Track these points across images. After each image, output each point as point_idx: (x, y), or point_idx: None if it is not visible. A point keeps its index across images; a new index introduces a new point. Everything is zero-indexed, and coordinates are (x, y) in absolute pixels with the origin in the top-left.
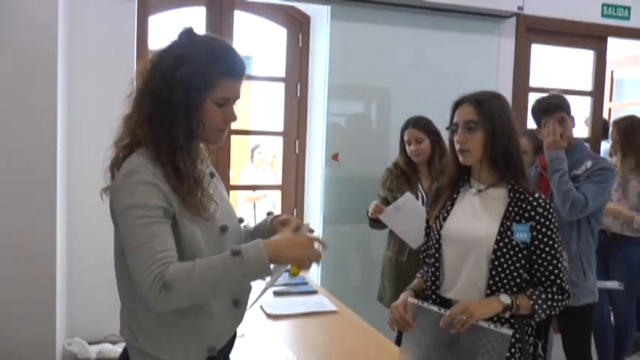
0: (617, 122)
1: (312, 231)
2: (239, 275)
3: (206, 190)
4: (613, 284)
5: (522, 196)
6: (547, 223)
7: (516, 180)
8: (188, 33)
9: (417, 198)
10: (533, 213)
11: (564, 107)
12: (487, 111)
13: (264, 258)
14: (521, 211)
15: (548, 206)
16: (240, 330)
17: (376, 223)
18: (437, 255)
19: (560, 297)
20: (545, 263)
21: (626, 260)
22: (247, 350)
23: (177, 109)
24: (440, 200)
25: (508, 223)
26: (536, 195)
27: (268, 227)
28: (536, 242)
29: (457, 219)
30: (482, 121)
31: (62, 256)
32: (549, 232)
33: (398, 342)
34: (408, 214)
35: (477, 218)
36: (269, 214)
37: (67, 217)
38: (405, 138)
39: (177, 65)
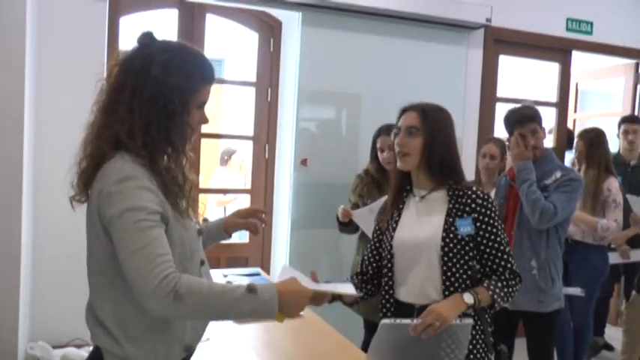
0: (582, 134)
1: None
2: (246, 311)
3: (193, 194)
4: (575, 291)
5: (461, 192)
6: (488, 212)
7: (455, 181)
8: (151, 37)
9: None
10: (473, 205)
11: (537, 118)
12: (429, 119)
13: (275, 305)
14: (462, 207)
15: (487, 197)
16: (205, 334)
17: (345, 227)
18: (389, 265)
19: (513, 282)
20: (494, 251)
21: (586, 267)
22: (213, 354)
23: (174, 116)
24: (387, 212)
25: (451, 220)
26: (474, 188)
27: (214, 229)
28: (480, 233)
29: (404, 228)
30: (423, 127)
31: (27, 259)
32: (491, 221)
33: (364, 348)
34: None
35: (422, 222)
36: (205, 220)
37: (33, 219)
38: (378, 145)
39: (168, 71)
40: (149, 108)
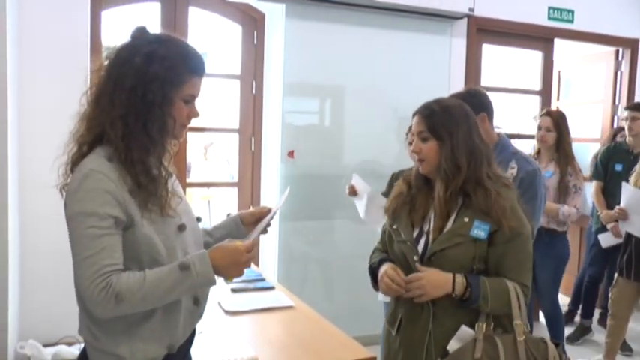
0: (550, 113)
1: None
2: (186, 288)
3: (172, 187)
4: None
5: None
6: None
7: None
8: (144, 31)
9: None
10: None
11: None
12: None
13: (210, 272)
14: None
15: None
16: (198, 327)
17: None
18: None
19: None
20: None
21: (552, 255)
22: (206, 346)
23: (153, 106)
24: None
25: None
26: None
27: (233, 222)
28: None
29: None
30: None
31: (14, 256)
32: None
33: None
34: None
35: None
36: (228, 215)
37: (19, 216)
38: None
39: (150, 61)
40: (128, 97)
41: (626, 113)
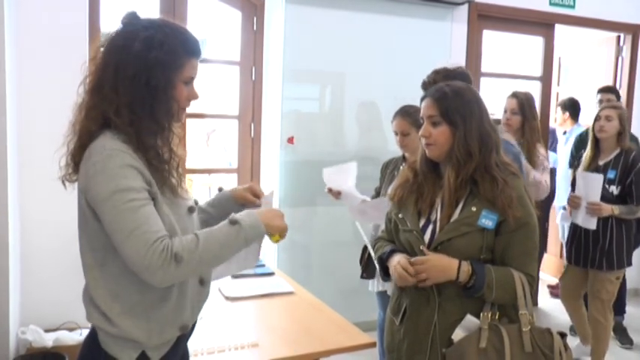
0: (516, 94)
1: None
2: (241, 241)
3: (182, 170)
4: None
5: None
6: None
7: None
8: (135, 16)
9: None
10: None
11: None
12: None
13: (260, 224)
14: None
15: None
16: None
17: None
18: None
19: None
20: None
21: None
22: (207, 332)
23: (157, 91)
24: None
25: None
26: None
27: (226, 199)
28: None
29: None
30: None
31: (15, 241)
32: None
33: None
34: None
35: None
36: (220, 189)
37: (19, 200)
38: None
39: (150, 47)
40: (132, 85)
41: (599, 96)
